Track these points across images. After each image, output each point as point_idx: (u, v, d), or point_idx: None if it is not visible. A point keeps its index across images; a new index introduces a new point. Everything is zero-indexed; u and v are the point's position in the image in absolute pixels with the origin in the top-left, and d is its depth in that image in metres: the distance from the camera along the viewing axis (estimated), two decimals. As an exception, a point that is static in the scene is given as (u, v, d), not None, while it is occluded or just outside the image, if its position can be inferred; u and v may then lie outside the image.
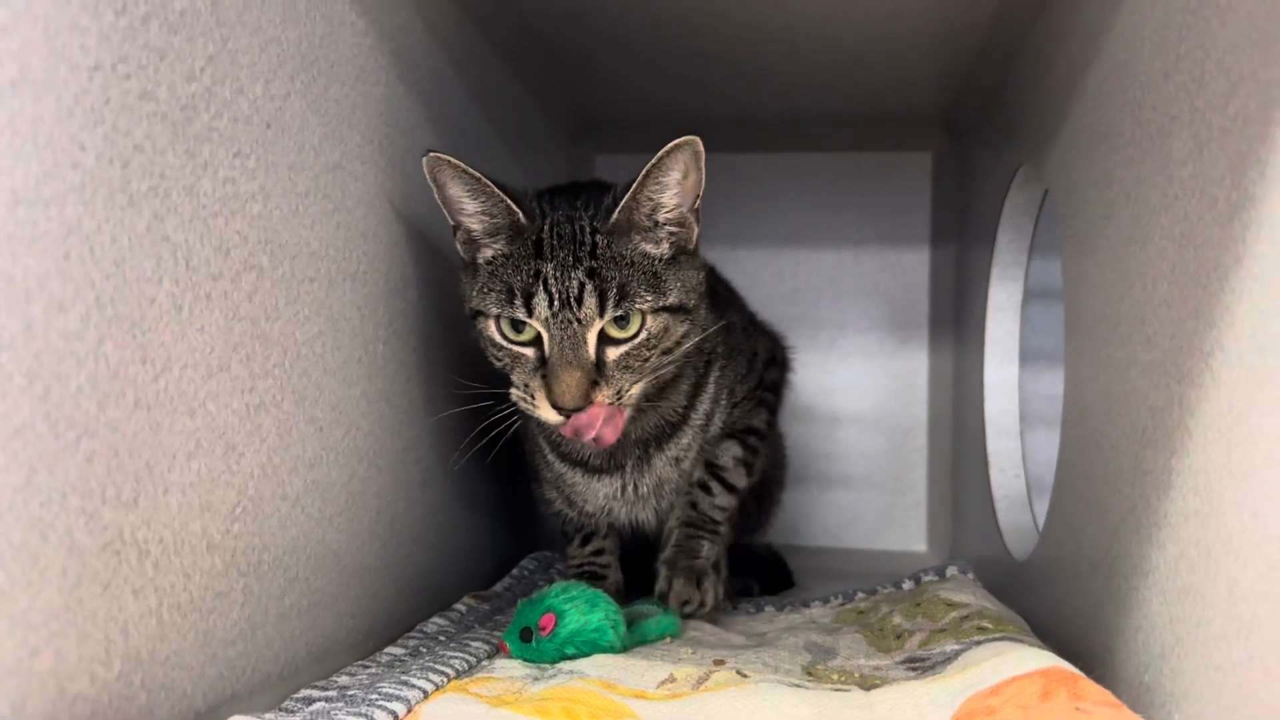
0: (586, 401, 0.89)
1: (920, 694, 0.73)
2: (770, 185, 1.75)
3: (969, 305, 1.49)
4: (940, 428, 1.69)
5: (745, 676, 0.81)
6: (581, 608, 0.89)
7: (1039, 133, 1.10)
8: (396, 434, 0.97)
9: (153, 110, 0.61)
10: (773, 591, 1.32)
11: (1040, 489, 1.22)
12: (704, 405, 1.08)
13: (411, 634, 0.95)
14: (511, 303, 0.90)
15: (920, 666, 0.85)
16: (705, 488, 1.13)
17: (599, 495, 1.07)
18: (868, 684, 0.82)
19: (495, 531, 1.30)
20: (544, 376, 0.90)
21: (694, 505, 1.13)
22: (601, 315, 0.89)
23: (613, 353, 0.91)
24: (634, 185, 0.90)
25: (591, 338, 0.90)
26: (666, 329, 0.93)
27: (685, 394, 1.05)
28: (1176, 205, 0.70)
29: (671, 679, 0.81)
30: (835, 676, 0.85)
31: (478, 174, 0.90)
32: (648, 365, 0.93)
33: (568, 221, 0.92)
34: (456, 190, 0.92)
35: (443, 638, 0.95)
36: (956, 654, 0.82)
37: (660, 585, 1.09)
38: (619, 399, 0.91)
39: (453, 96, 1.13)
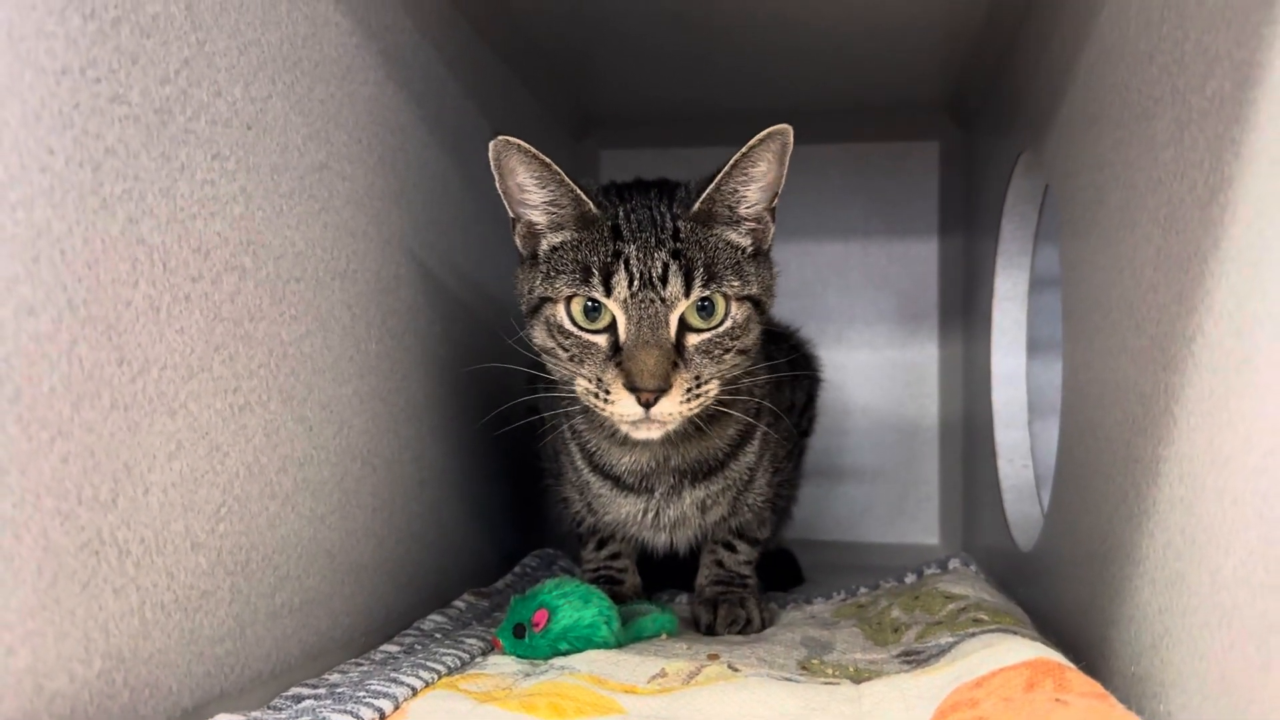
0: (667, 384, 0.83)
1: (909, 686, 0.72)
2: (777, 178, 1.74)
3: (977, 296, 1.48)
4: (951, 419, 1.68)
5: (736, 671, 0.81)
6: (575, 603, 0.89)
7: (1037, 118, 1.09)
8: (392, 432, 0.98)
9: (125, 113, 0.61)
10: (782, 589, 1.31)
11: (1049, 480, 1.21)
12: (747, 459, 1.03)
13: (408, 631, 0.96)
14: (588, 281, 0.85)
15: (915, 660, 0.84)
16: (730, 547, 1.10)
17: (621, 510, 1.04)
18: (861, 677, 0.81)
19: (499, 529, 1.30)
20: (619, 364, 0.85)
21: (720, 564, 1.10)
22: (687, 295, 0.85)
23: (693, 339, 0.87)
24: (720, 174, 0.87)
25: (673, 320, 0.85)
26: (749, 320, 0.89)
27: (731, 438, 1.00)
28: (1161, 189, 0.69)
29: (663, 674, 0.81)
30: (829, 670, 0.85)
31: (548, 160, 0.86)
32: (726, 360, 0.88)
33: (645, 208, 0.89)
34: (523, 177, 0.88)
35: (439, 635, 0.95)
36: (951, 646, 0.82)
37: (705, 619, 1.03)
38: (697, 385, 0.86)
39: (447, 95, 1.13)
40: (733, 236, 0.90)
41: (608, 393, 0.85)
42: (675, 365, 0.85)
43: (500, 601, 1.11)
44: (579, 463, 1.04)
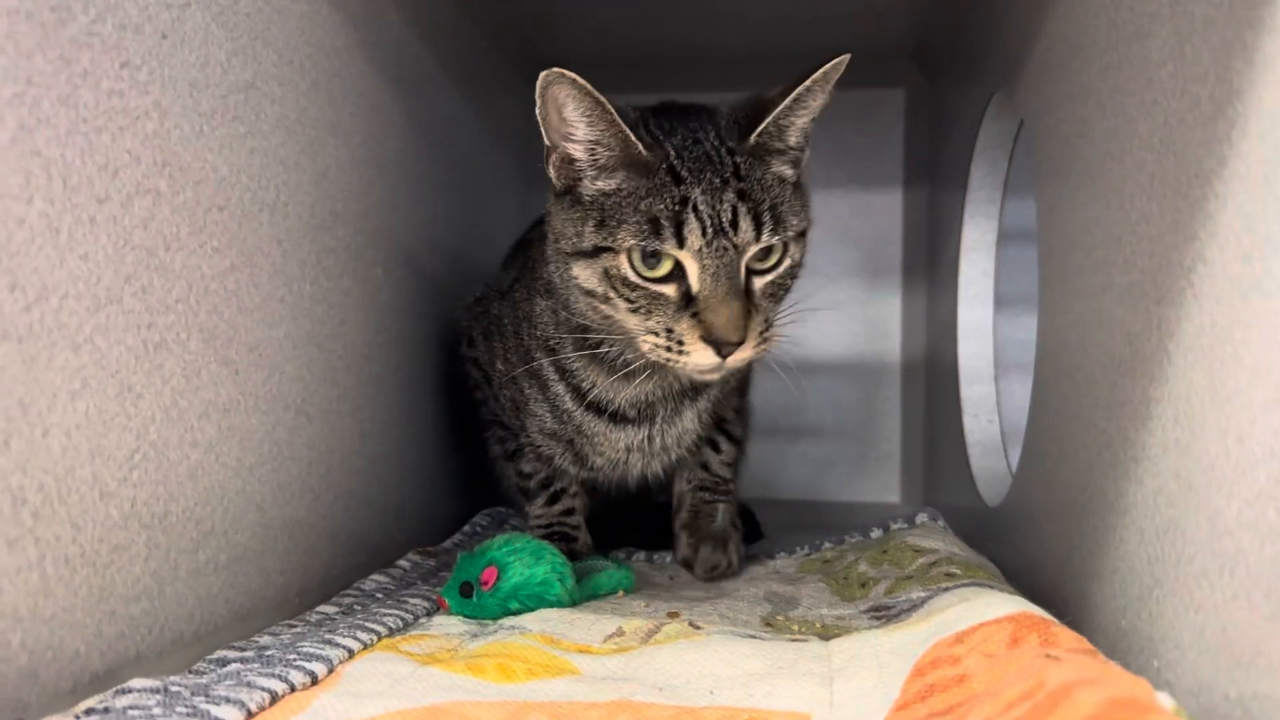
0: (745, 334, 0.80)
1: (881, 643, 0.68)
2: (736, 127, 1.68)
3: (943, 247, 1.43)
4: (914, 375, 1.64)
5: (698, 628, 0.76)
6: (526, 560, 0.84)
7: (1011, 56, 1.04)
8: (329, 381, 0.91)
9: (14, 6, 0.54)
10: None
11: (1015, 435, 1.17)
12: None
13: (347, 592, 0.90)
14: (658, 234, 0.80)
15: (885, 615, 0.80)
16: (714, 445, 1.10)
17: (618, 446, 1.00)
18: (829, 634, 0.77)
19: (447, 487, 1.24)
20: (695, 315, 0.81)
21: (705, 466, 1.10)
22: (757, 240, 0.82)
23: (758, 282, 0.84)
24: (779, 108, 0.83)
25: (743, 266, 0.82)
26: (802, 255, 0.87)
27: None
28: (1155, 110, 0.64)
29: (620, 632, 0.76)
30: (795, 627, 0.81)
31: (600, 98, 0.80)
32: (782, 298, 0.86)
33: (695, 143, 0.84)
34: (570, 112, 0.82)
35: (380, 595, 0.89)
36: (922, 601, 0.78)
37: (684, 552, 1.04)
38: (766, 328, 0.83)
39: (388, 25, 1.05)
40: (781, 169, 0.87)
41: (680, 344, 0.82)
42: (749, 312, 0.81)
43: (447, 561, 1.05)
44: (568, 404, 1.00)
